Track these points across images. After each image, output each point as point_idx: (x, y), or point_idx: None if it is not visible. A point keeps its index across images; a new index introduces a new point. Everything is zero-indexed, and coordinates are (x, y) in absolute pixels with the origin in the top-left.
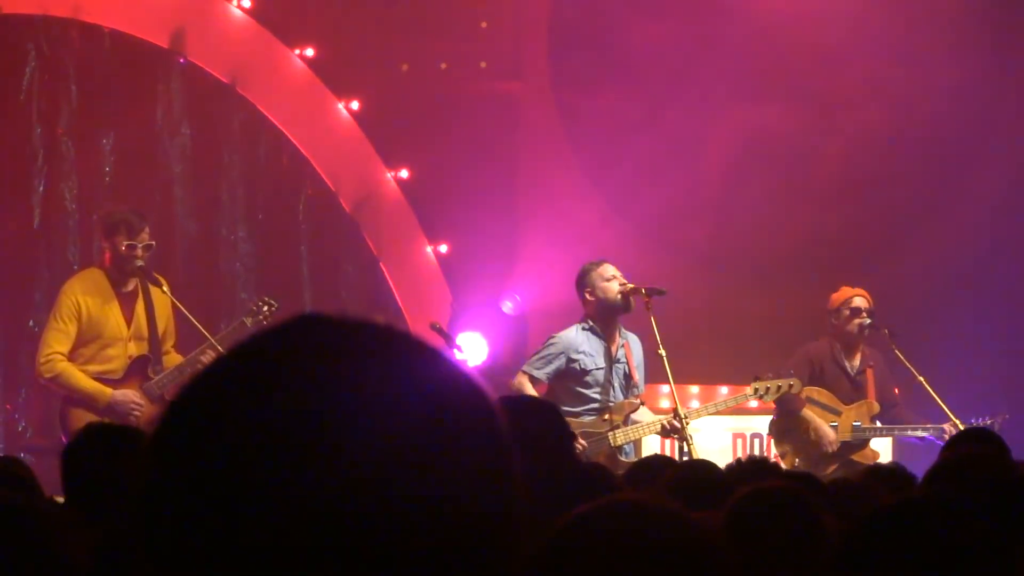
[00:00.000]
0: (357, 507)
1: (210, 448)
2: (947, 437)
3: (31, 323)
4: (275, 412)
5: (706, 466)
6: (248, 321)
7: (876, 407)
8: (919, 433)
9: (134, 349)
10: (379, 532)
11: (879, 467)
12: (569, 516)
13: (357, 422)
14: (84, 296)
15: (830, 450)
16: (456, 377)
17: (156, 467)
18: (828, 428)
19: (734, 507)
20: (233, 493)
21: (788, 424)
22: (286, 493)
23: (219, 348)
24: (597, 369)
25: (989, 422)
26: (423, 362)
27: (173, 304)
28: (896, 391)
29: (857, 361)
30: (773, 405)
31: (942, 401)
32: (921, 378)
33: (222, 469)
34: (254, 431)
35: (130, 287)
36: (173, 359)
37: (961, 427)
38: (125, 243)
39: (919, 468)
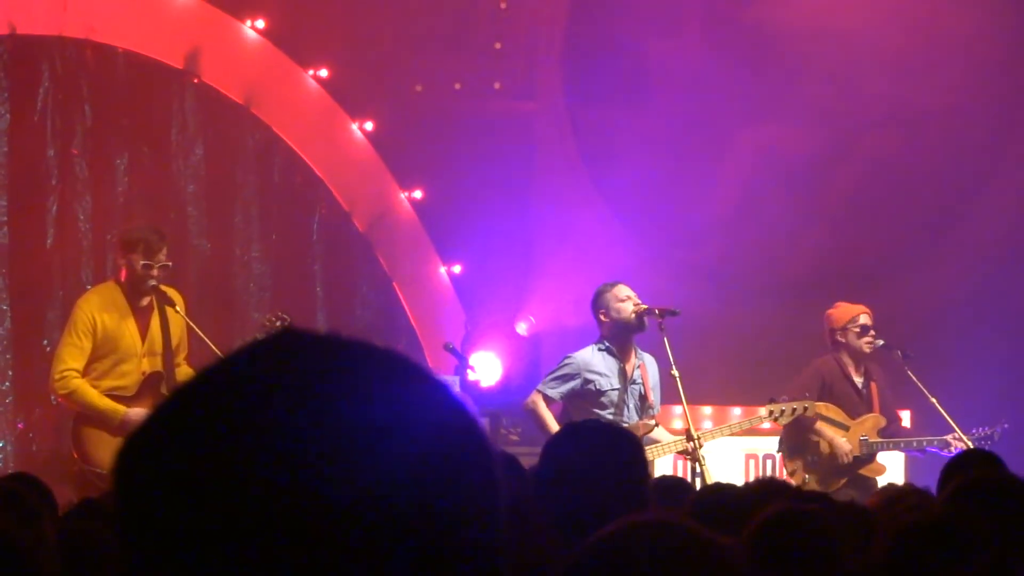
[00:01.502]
0: (340, 531)
1: (184, 477)
2: (952, 449)
3: (44, 342)
4: (255, 433)
5: (723, 488)
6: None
7: (883, 420)
8: (924, 446)
9: (148, 365)
10: (361, 556)
11: (893, 488)
12: (598, 535)
13: (339, 444)
14: (100, 311)
15: (846, 461)
16: (440, 399)
17: (133, 508)
18: (843, 440)
19: (756, 530)
20: (214, 512)
21: (798, 440)
22: (267, 512)
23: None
24: (612, 390)
25: (990, 431)
26: (406, 382)
27: (186, 321)
28: (901, 416)
29: (863, 375)
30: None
31: (951, 418)
32: (934, 399)
33: (197, 499)
34: (233, 453)
35: (145, 302)
36: (183, 373)
37: (967, 439)
38: (142, 262)
39: (927, 482)
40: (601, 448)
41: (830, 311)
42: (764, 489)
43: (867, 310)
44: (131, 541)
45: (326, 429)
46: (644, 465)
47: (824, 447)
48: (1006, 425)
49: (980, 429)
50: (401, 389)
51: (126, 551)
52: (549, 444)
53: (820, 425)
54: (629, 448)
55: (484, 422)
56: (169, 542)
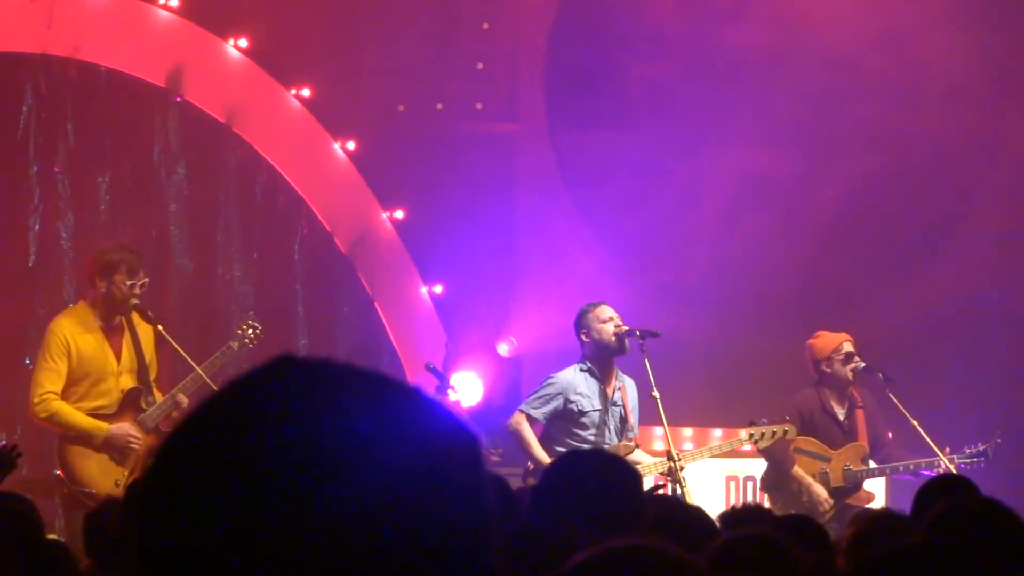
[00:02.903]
0: (337, 550)
1: (197, 494)
2: (939, 470)
3: (27, 360)
4: (260, 457)
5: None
6: (235, 345)
7: (865, 448)
8: (912, 469)
9: (126, 382)
10: (355, 567)
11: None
12: (577, 559)
13: (339, 466)
14: (73, 333)
15: (822, 509)
16: (439, 420)
17: (147, 514)
18: (819, 489)
19: (712, 555)
20: (220, 537)
21: (780, 478)
22: (270, 534)
23: (206, 377)
24: (593, 410)
25: (984, 447)
26: (406, 404)
27: (157, 337)
28: (890, 434)
29: (846, 406)
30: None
31: (933, 438)
32: (914, 421)
33: (208, 514)
34: (238, 477)
35: (115, 321)
36: (156, 394)
37: (955, 460)
38: (128, 282)
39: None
40: (599, 475)
41: (812, 341)
42: (739, 514)
43: (850, 337)
44: (145, 558)
45: (323, 448)
46: (640, 494)
47: (804, 493)
48: (999, 440)
49: (974, 446)
50: (392, 408)
51: (138, 566)
52: (548, 469)
53: (798, 470)
54: (627, 478)
55: (482, 438)
56: (182, 559)
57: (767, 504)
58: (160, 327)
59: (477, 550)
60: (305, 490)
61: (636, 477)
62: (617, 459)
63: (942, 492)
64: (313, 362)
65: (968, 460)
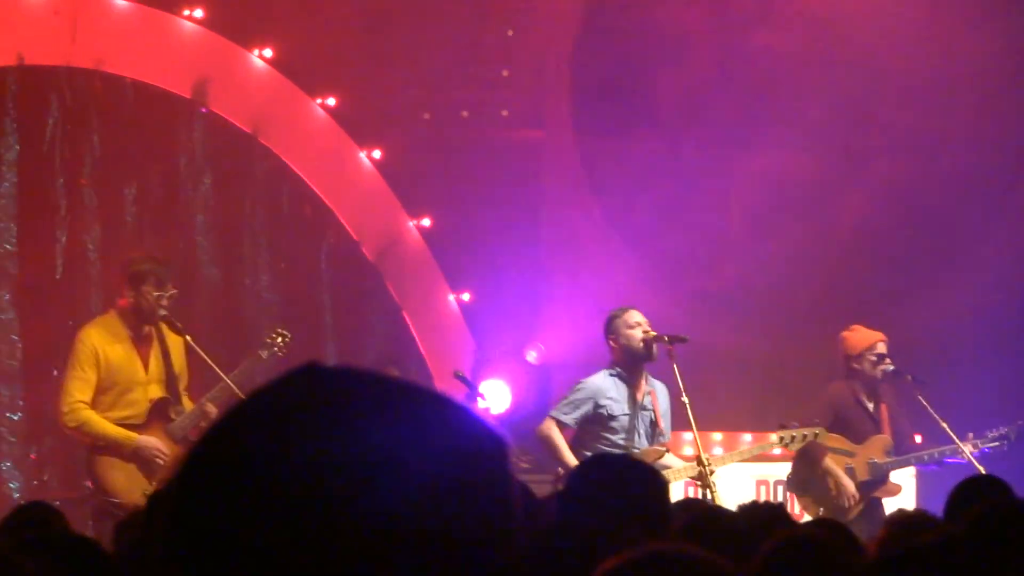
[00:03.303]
0: (366, 559)
1: (226, 504)
2: (962, 455)
3: (55, 372)
4: (289, 466)
5: (721, 513)
6: (264, 354)
7: (889, 441)
8: (936, 458)
9: (154, 392)
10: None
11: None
12: (610, 564)
13: (368, 474)
14: (101, 343)
15: (849, 504)
16: (467, 426)
17: (173, 524)
18: (849, 482)
19: (766, 556)
20: (247, 547)
21: (806, 474)
22: (299, 543)
23: (234, 387)
24: (623, 415)
25: (1006, 431)
26: (434, 411)
27: (187, 345)
28: (918, 438)
29: (874, 400)
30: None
31: (958, 434)
32: (944, 424)
33: (239, 525)
34: (268, 487)
35: (144, 331)
36: (186, 404)
37: (979, 446)
38: (155, 293)
39: (941, 501)
40: (623, 479)
41: (846, 334)
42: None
43: (884, 337)
44: (171, 568)
45: (350, 457)
46: (665, 498)
47: (831, 484)
48: (1021, 423)
49: (996, 429)
50: (420, 414)
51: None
52: (574, 472)
53: (829, 462)
54: (651, 481)
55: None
56: (209, 569)
57: (797, 505)
58: (188, 338)
59: (504, 555)
60: (334, 499)
61: (661, 481)
62: (641, 463)
63: (976, 493)
64: (339, 370)
65: (991, 444)
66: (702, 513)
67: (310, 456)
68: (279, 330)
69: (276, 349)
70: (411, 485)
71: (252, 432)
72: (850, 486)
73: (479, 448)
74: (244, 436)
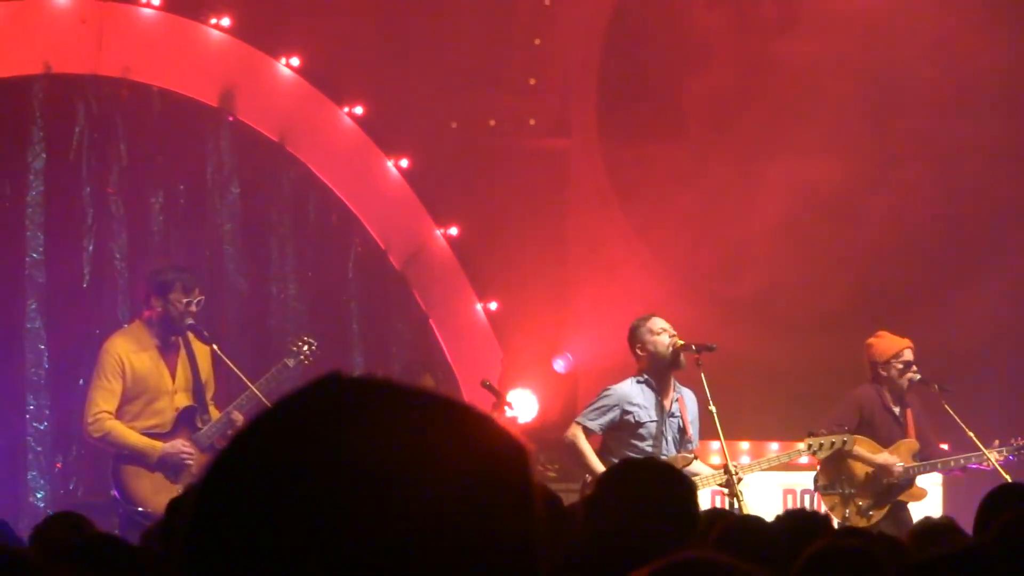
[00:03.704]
0: (389, 568)
1: (248, 511)
2: (987, 464)
3: (81, 382)
4: (310, 474)
5: (755, 521)
6: (290, 362)
7: (916, 445)
8: (963, 464)
9: (181, 401)
10: None
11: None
12: (640, 573)
13: (390, 483)
14: (127, 353)
15: (898, 471)
16: (489, 435)
17: (197, 531)
18: (885, 456)
19: (806, 564)
20: (270, 554)
21: (834, 473)
22: (322, 552)
23: (261, 395)
24: (651, 421)
25: None
26: (456, 420)
27: (213, 354)
28: (945, 446)
29: (899, 405)
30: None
31: (984, 442)
32: (971, 433)
33: (260, 531)
34: (289, 494)
35: (171, 340)
36: (213, 413)
37: (1003, 453)
38: (183, 300)
39: (965, 507)
40: (652, 485)
41: (872, 341)
42: (795, 522)
43: (911, 344)
44: (196, 566)
45: (373, 466)
46: (694, 505)
47: (860, 475)
48: None
49: (1020, 438)
50: (443, 424)
51: None
52: (603, 477)
53: (857, 449)
54: (680, 487)
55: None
56: (236, 567)
57: (823, 506)
58: (215, 346)
59: (527, 563)
60: (354, 507)
61: (690, 487)
62: (671, 469)
63: (1007, 502)
64: (361, 379)
65: (1016, 452)
66: (738, 522)
67: (331, 464)
68: (305, 338)
69: (302, 357)
70: (432, 494)
71: (275, 440)
72: (889, 458)
73: (502, 456)
74: (267, 444)
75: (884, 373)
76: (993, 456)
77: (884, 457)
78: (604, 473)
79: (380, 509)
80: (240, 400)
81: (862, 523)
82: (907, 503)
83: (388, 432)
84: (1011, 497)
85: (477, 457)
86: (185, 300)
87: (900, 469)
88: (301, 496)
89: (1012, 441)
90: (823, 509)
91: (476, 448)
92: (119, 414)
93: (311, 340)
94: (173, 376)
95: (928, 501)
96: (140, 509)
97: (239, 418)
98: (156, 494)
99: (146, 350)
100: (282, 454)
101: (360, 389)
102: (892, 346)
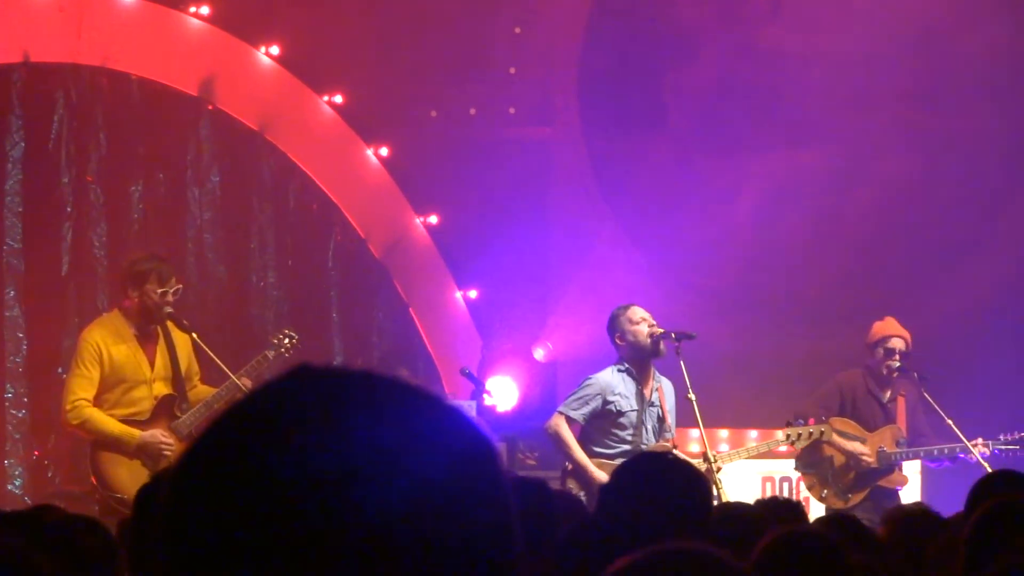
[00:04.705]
0: (358, 560)
1: (218, 504)
2: (972, 457)
3: (60, 370)
4: (279, 466)
5: (735, 508)
6: (270, 354)
7: (901, 432)
8: (947, 453)
9: (159, 390)
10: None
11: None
12: (619, 565)
13: (360, 474)
14: (105, 341)
15: (867, 460)
16: (459, 426)
17: (168, 521)
18: (856, 443)
19: (764, 551)
20: (240, 547)
21: (813, 454)
22: (291, 543)
23: (241, 385)
24: (631, 411)
25: (1018, 436)
26: (426, 411)
27: (193, 343)
28: (925, 427)
29: (889, 391)
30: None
31: (969, 433)
32: (950, 420)
33: (230, 524)
34: (258, 486)
35: (150, 329)
36: (201, 392)
37: (990, 447)
38: (159, 290)
39: (947, 496)
40: (667, 478)
41: (876, 322)
42: (772, 510)
43: (906, 335)
44: (168, 560)
45: (342, 457)
46: (708, 500)
47: (839, 459)
48: None
49: (1010, 433)
50: (412, 415)
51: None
52: (618, 470)
53: (833, 437)
54: (695, 482)
55: (500, 445)
56: (203, 566)
57: (803, 485)
58: (195, 335)
59: (503, 555)
60: (324, 499)
61: (704, 481)
62: (686, 463)
63: (996, 488)
64: (330, 371)
65: (1003, 447)
66: (716, 509)
67: (300, 456)
68: (287, 331)
69: (283, 350)
70: (399, 484)
71: (244, 432)
72: (859, 447)
73: (473, 447)
74: (236, 436)
75: (869, 354)
76: (978, 451)
77: (854, 446)
78: (619, 466)
79: (353, 502)
80: (220, 390)
81: (839, 504)
82: (892, 488)
83: (354, 423)
84: (1001, 484)
85: (444, 447)
86: (160, 290)
87: (868, 460)
88: (273, 489)
89: (1001, 436)
90: (802, 489)
91: (443, 438)
92: (97, 402)
93: (293, 334)
94: (152, 365)
95: (908, 489)
96: (118, 495)
97: (218, 408)
98: (133, 481)
99: (124, 339)
100: (253, 446)
101: (328, 380)
102: (884, 331)
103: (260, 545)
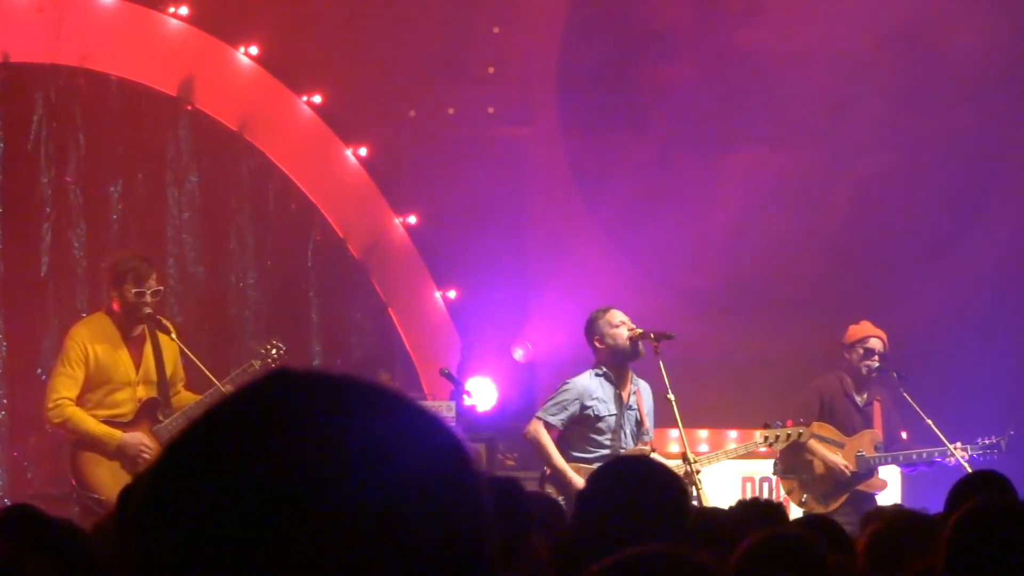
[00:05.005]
0: (336, 564)
1: (192, 506)
2: (951, 460)
3: (39, 371)
4: (251, 468)
5: (716, 510)
6: (257, 364)
7: (879, 436)
8: (924, 458)
9: (143, 393)
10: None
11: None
12: (599, 566)
13: (337, 476)
14: (91, 341)
15: (847, 473)
16: (434, 429)
17: (145, 522)
18: (837, 457)
19: (743, 554)
20: (217, 552)
21: (793, 460)
22: (265, 544)
23: (224, 390)
24: (610, 415)
25: (996, 440)
26: (401, 414)
27: (180, 348)
28: (904, 434)
29: (864, 395)
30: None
31: (948, 433)
32: (929, 420)
33: (205, 525)
34: (231, 488)
35: (137, 331)
36: (184, 399)
37: (968, 451)
38: (134, 290)
39: (927, 499)
40: (645, 482)
41: (851, 326)
42: (752, 512)
43: (882, 335)
44: (142, 565)
45: (319, 459)
46: (686, 504)
47: (819, 466)
48: (1012, 432)
49: (987, 437)
50: (391, 420)
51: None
52: (594, 475)
53: (813, 444)
54: (673, 486)
55: (479, 446)
56: (180, 567)
57: (782, 490)
58: (173, 336)
59: (477, 559)
60: (296, 502)
61: (681, 484)
62: (664, 467)
63: (976, 489)
64: (308, 374)
65: (981, 451)
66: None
67: (273, 459)
68: (274, 341)
69: (270, 360)
70: (373, 489)
71: (219, 435)
72: (840, 460)
73: (444, 453)
74: (211, 439)
75: (847, 356)
76: (957, 453)
77: (836, 459)
78: (596, 470)
79: (325, 506)
80: (203, 397)
81: (820, 510)
82: (869, 493)
83: (334, 428)
84: (980, 485)
85: (424, 454)
86: (135, 291)
87: (849, 471)
88: (245, 492)
89: (977, 441)
90: (782, 493)
91: (423, 444)
92: (80, 402)
93: (280, 344)
94: (137, 367)
95: (887, 492)
96: (96, 496)
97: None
98: (113, 482)
99: (110, 340)
100: (226, 449)
101: (307, 384)
102: (860, 332)
103: (231, 548)
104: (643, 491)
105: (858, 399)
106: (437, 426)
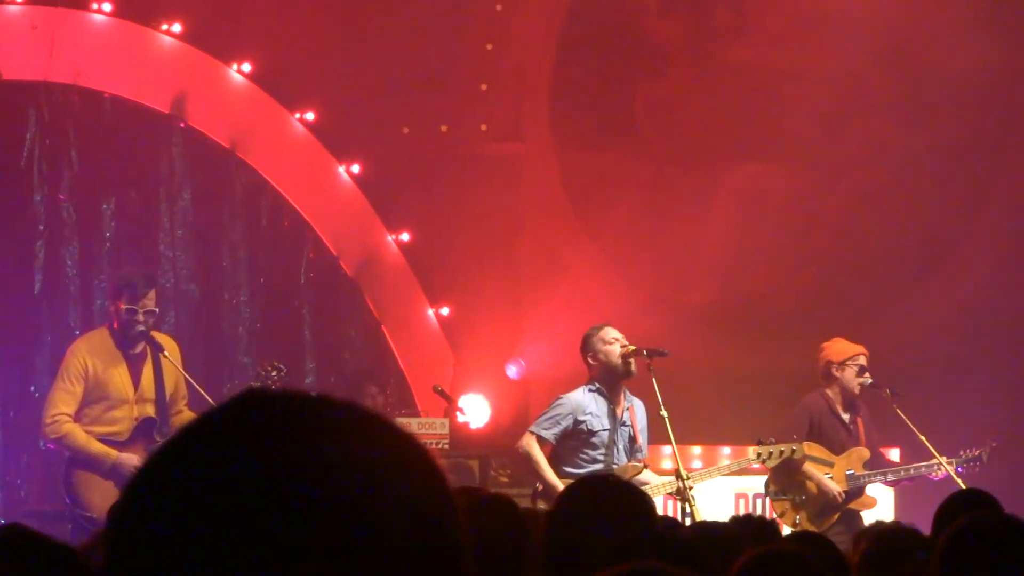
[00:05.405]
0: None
1: (167, 527)
2: (938, 474)
3: (32, 388)
4: (221, 484)
5: (711, 527)
6: (256, 385)
7: (867, 453)
8: (912, 473)
9: (141, 411)
10: None
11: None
12: None
13: (312, 498)
14: (91, 357)
15: (839, 500)
16: (409, 449)
17: (120, 541)
18: (831, 483)
19: (740, 571)
20: (184, 563)
21: (785, 481)
22: (244, 561)
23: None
24: (603, 431)
25: (978, 452)
26: (378, 434)
27: (173, 365)
28: (893, 449)
29: (850, 412)
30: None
31: (942, 450)
32: (922, 437)
33: (178, 547)
34: (209, 511)
35: (138, 349)
36: (186, 418)
37: (952, 464)
38: (126, 307)
39: (916, 513)
40: (612, 501)
41: (827, 344)
42: (747, 529)
43: (865, 351)
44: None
45: (287, 478)
46: (653, 521)
47: (812, 487)
48: (994, 444)
49: (969, 450)
50: (365, 439)
51: None
52: (563, 494)
53: (807, 466)
54: (639, 504)
55: (472, 463)
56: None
57: (773, 512)
58: (165, 354)
59: (447, 538)
60: (274, 523)
61: (649, 503)
62: (630, 485)
63: (963, 508)
64: (281, 394)
65: (964, 464)
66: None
67: (250, 478)
68: (275, 363)
69: (270, 382)
70: (355, 505)
71: (190, 453)
72: (834, 486)
73: (424, 470)
74: (183, 456)
75: (838, 374)
76: (943, 470)
77: (830, 484)
78: (564, 489)
79: (301, 525)
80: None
81: (813, 530)
82: (859, 511)
83: (304, 445)
84: (966, 503)
85: (397, 473)
86: (127, 307)
87: (840, 498)
88: (220, 511)
89: (960, 453)
90: (773, 515)
91: (396, 464)
92: (77, 417)
93: (281, 366)
94: (136, 385)
95: (879, 509)
96: (89, 515)
97: None
98: (105, 502)
99: (110, 356)
100: (201, 469)
101: (279, 404)
102: (848, 349)
103: (209, 567)
104: (609, 511)
105: (844, 416)
106: (414, 448)
